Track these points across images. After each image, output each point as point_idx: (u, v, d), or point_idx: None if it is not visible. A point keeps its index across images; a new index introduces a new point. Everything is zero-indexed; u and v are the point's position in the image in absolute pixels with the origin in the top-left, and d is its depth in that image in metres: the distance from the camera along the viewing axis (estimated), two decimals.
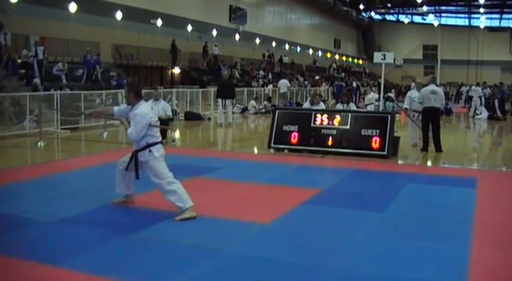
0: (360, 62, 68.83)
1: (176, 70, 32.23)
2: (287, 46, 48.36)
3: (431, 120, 12.60)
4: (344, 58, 63.87)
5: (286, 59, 47.34)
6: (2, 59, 19.97)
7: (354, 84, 36.68)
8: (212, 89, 24.43)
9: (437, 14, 65.72)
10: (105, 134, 15.16)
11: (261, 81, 35.44)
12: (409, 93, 14.20)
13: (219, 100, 19.25)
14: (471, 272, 4.85)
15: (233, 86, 20.58)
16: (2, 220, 6.33)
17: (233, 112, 20.92)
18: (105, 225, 6.15)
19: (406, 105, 14.00)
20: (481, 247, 5.59)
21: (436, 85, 13.41)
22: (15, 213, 6.55)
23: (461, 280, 4.65)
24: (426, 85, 13.06)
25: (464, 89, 39.58)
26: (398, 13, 68.41)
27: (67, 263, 4.85)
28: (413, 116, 13.64)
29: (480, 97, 26.64)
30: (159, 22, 30.99)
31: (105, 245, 5.42)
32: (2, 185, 8.25)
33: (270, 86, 32.00)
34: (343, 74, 53.82)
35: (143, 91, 21.85)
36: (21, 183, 8.47)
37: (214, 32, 36.94)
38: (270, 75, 38.67)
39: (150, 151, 6.52)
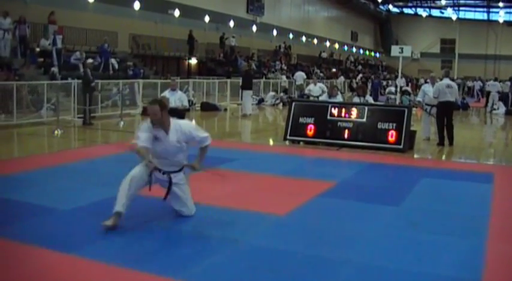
0: (377, 55, 68.40)
1: (193, 61, 32.26)
2: (304, 38, 48.17)
3: (446, 114, 12.53)
4: (361, 51, 63.56)
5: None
6: (22, 50, 20.13)
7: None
8: (229, 80, 24.42)
9: (456, 8, 64.99)
10: (122, 123, 15.23)
11: (278, 73, 35.38)
12: (423, 87, 14.22)
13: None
14: (487, 267, 4.82)
15: (249, 78, 20.53)
16: (18, 207, 6.39)
17: (252, 104, 21.01)
18: None
19: (419, 98, 14.07)
20: (497, 242, 5.56)
21: (451, 79, 13.31)
22: (31, 200, 6.60)
23: (477, 275, 4.62)
24: (441, 79, 12.99)
25: (476, 83, 39.06)
26: (416, 6, 67.85)
27: (81, 251, 4.88)
28: (426, 109, 13.61)
29: (498, 92, 26.39)
30: (177, 12, 31.04)
31: (120, 234, 5.44)
32: (19, 173, 8.31)
33: (284, 78, 31.97)
34: (359, 67, 53.53)
35: (160, 81, 21.73)
36: (37, 171, 8.54)
37: (232, 23, 36.93)
38: (281, 67, 38.33)
39: (184, 172, 6.08)
